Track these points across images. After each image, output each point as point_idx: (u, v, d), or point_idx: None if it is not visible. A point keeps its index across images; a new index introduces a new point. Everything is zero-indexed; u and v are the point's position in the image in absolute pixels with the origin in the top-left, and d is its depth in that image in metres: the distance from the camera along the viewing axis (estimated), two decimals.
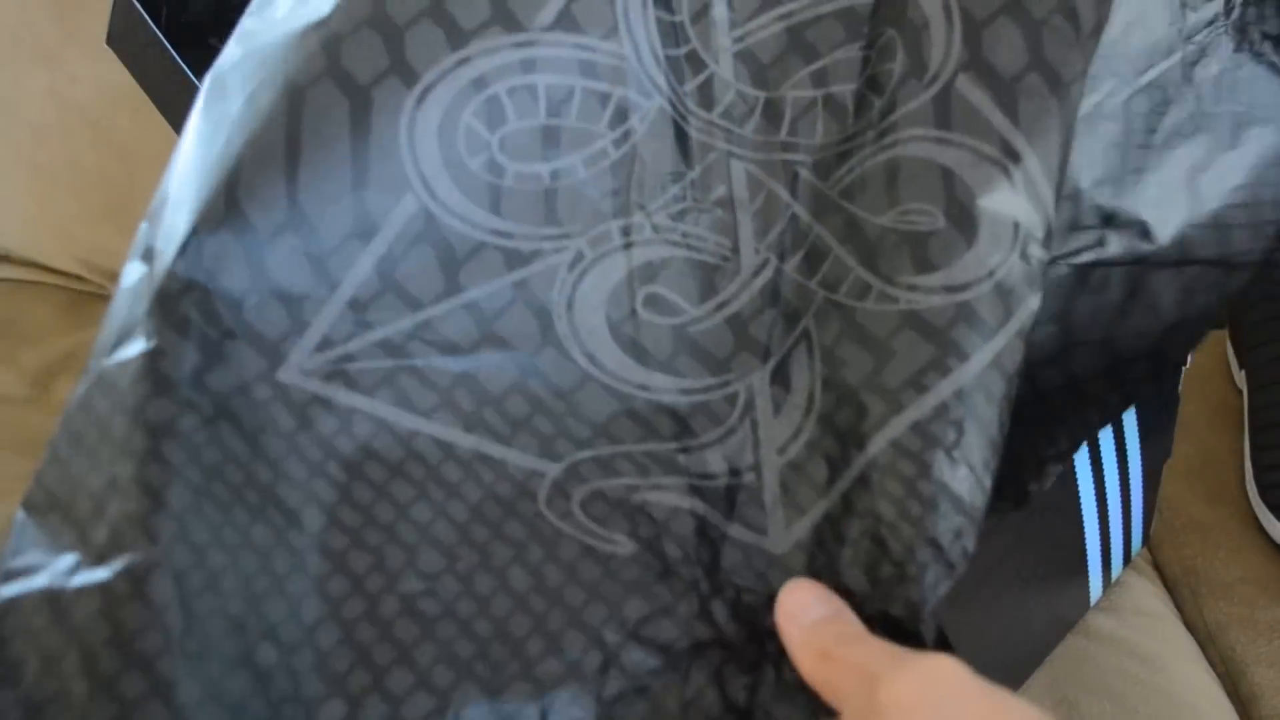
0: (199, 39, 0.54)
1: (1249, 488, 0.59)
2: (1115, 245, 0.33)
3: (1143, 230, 0.33)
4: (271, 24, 0.31)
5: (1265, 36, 0.37)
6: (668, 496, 0.31)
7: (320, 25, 0.30)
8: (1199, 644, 0.53)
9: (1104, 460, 0.47)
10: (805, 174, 0.32)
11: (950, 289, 0.30)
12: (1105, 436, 0.46)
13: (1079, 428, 0.36)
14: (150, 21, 0.49)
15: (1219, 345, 0.71)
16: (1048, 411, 0.34)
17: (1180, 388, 0.51)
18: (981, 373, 0.29)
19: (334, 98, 0.30)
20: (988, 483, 0.29)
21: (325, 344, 0.30)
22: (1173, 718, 0.46)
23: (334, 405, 0.30)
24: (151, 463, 0.28)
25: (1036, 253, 0.30)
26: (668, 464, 0.31)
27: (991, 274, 0.29)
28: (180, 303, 0.28)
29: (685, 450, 0.31)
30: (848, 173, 0.32)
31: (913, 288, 0.30)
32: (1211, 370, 0.70)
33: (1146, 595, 0.55)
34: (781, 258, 0.32)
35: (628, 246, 0.32)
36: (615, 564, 0.30)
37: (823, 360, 0.31)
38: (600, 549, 0.30)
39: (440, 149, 0.30)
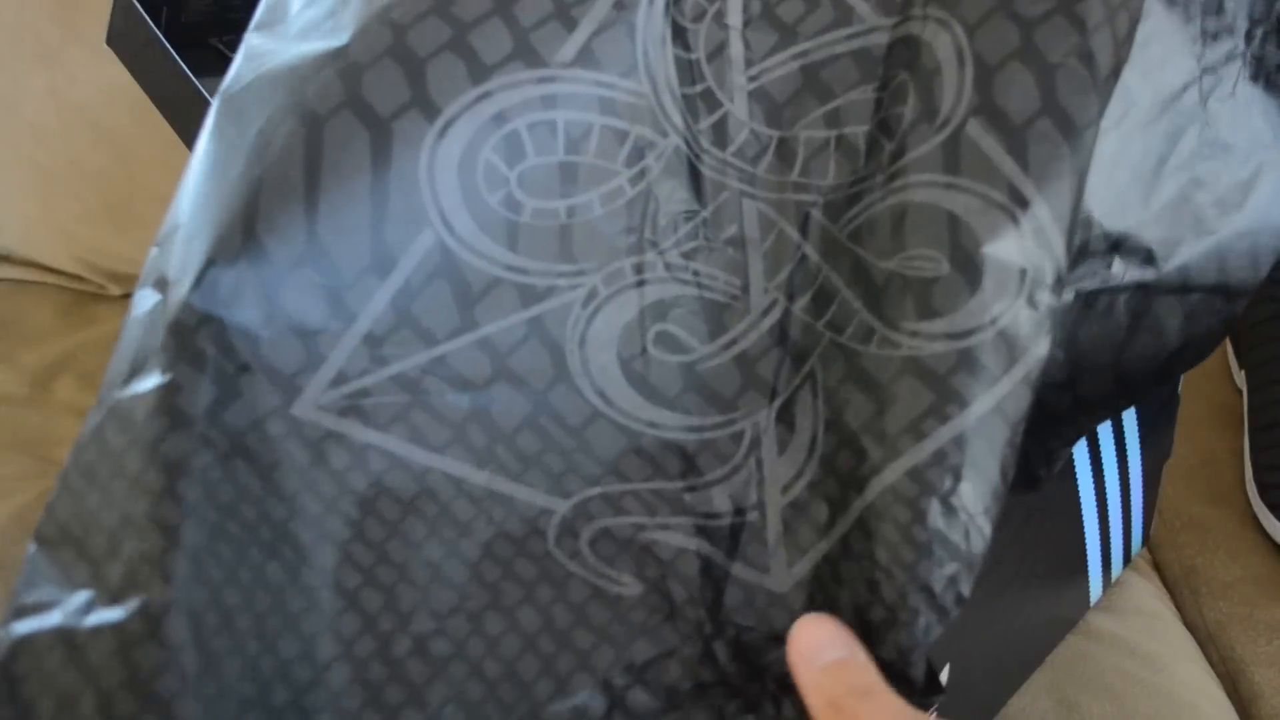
0: (199, 39, 0.54)
1: (1249, 488, 0.59)
2: (1121, 271, 0.33)
3: (1148, 256, 0.33)
4: (282, 43, 0.31)
5: None
6: (674, 536, 0.31)
7: (339, 54, 0.30)
8: (1199, 644, 0.53)
9: (1104, 460, 0.47)
10: (816, 215, 0.32)
11: (952, 336, 0.30)
12: (1105, 436, 0.46)
13: (1085, 425, 0.36)
14: (150, 21, 0.49)
15: (1219, 345, 0.71)
16: (1054, 415, 0.34)
17: (1180, 388, 0.51)
18: (982, 419, 0.29)
19: (354, 129, 0.29)
20: (987, 530, 0.29)
21: (340, 379, 0.30)
22: (1173, 718, 0.46)
23: (348, 441, 0.30)
24: (166, 501, 0.27)
25: (1045, 299, 0.30)
26: (674, 503, 0.31)
27: (994, 321, 0.30)
28: (196, 336, 0.28)
29: (691, 489, 0.31)
30: (856, 215, 0.32)
31: (915, 334, 0.30)
32: (1211, 370, 0.70)
33: (1146, 595, 0.55)
34: (790, 298, 0.32)
35: (640, 284, 0.32)
36: (623, 606, 0.30)
37: (826, 402, 0.31)
38: (608, 590, 0.30)
39: (460, 184, 0.30)
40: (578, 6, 0.32)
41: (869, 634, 0.29)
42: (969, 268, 0.30)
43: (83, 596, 0.27)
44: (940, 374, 0.29)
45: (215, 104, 0.31)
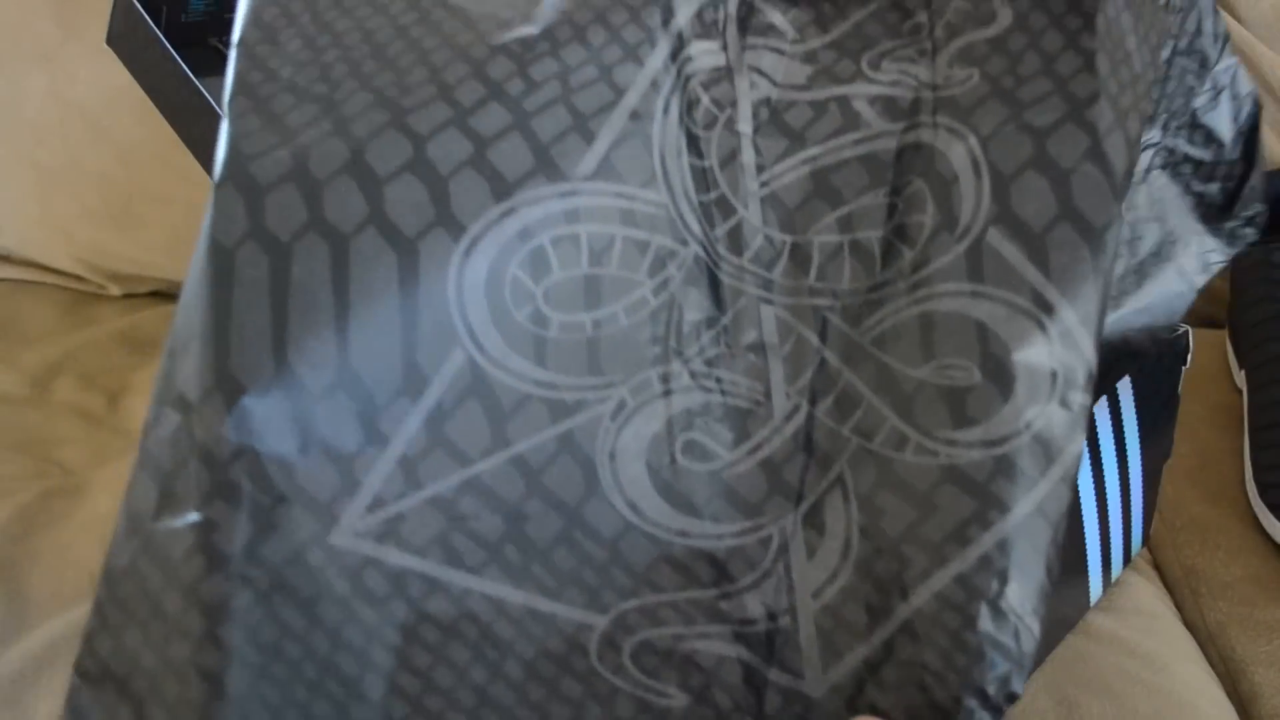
0: (199, 39, 0.54)
1: (1249, 488, 0.59)
2: None
3: None
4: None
5: (1188, 159, 0.39)
6: (714, 645, 0.31)
7: (358, 163, 0.29)
8: (1199, 644, 0.53)
9: (1104, 460, 0.47)
10: (834, 319, 0.33)
11: (988, 443, 0.30)
12: (1105, 436, 0.46)
13: None
14: (150, 21, 0.49)
15: (1219, 345, 0.71)
16: None
17: (1180, 388, 0.51)
18: (1024, 521, 0.30)
19: (380, 249, 0.29)
20: (1036, 629, 0.30)
21: (377, 503, 0.29)
22: (1173, 718, 0.46)
23: (386, 566, 0.29)
24: (208, 646, 0.27)
25: (1078, 399, 0.30)
26: (710, 611, 0.31)
27: (1029, 426, 0.30)
28: (230, 469, 0.28)
29: (725, 596, 0.32)
30: (879, 322, 0.32)
31: (951, 442, 0.30)
32: (1211, 370, 0.70)
33: (1146, 595, 0.55)
34: (812, 402, 0.32)
35: (667, 394, 0.32)
36: (672, 718, 0.30)
37: (860, 508, 0.31)
38: (655, 703, 0.31)
39: (488, 301, 0.30)
40: (595, 118, 0.31)
41: None
42: (1000, 375, 0.30)
43: None
44: (979, 481, 0.30)
45: (223, 194, 0.29)
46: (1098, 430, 0.45)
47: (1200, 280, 0.40)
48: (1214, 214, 0.40)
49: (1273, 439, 0.59)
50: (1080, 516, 0.47)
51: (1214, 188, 0.40)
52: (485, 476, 0.30)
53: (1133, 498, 0.51)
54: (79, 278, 0.83)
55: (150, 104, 0.52)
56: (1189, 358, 0.50)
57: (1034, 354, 0.30)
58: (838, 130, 0.33)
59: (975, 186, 0.31)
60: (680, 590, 0.31)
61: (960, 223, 0.31)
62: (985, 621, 0.29)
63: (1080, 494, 0.46)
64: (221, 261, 0.28)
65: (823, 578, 0.31)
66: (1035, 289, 0.30)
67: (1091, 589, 0.52)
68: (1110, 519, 0.50)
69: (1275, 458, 0.58)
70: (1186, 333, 0.48)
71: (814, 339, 0.32)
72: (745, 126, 0.33)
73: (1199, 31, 0.37)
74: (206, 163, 0.49)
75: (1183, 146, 0.38)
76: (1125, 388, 0.45)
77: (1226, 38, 0.37)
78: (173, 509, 0.28)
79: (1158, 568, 0.58)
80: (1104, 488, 0.48)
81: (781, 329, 0.33)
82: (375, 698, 0.29)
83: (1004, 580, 0.29)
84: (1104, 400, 0.44)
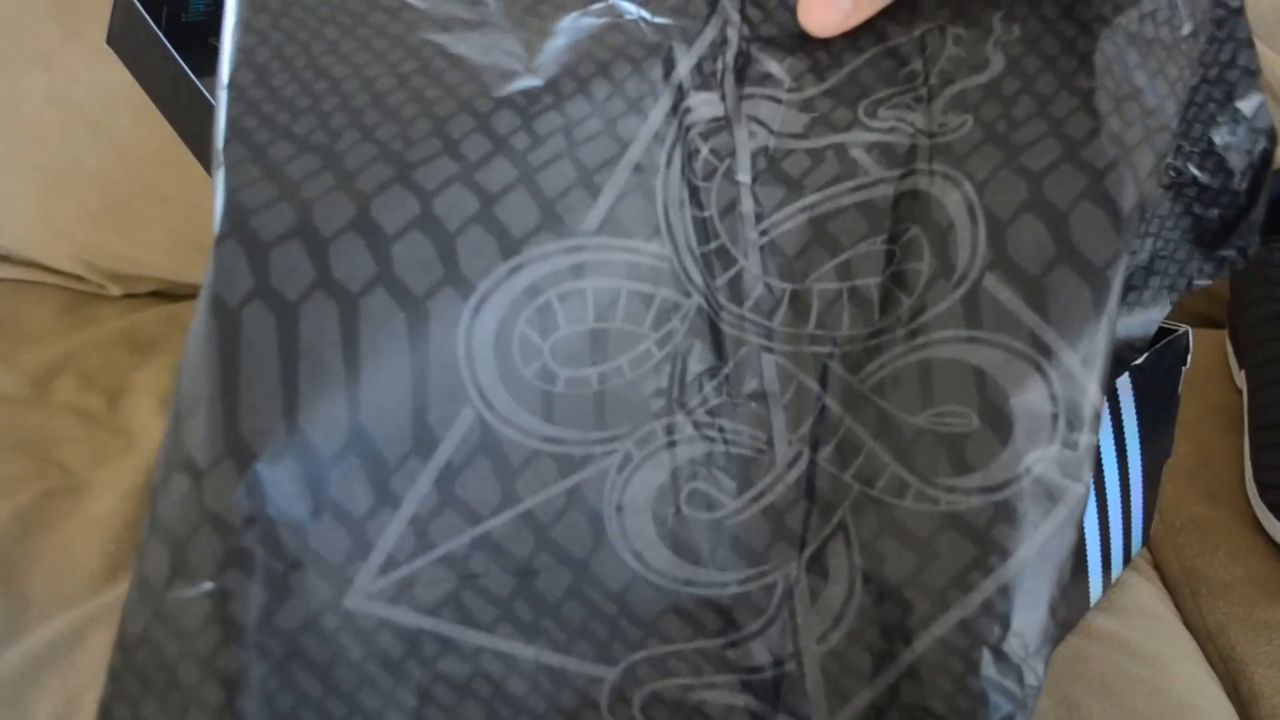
0: (199, 39, 0.54)
1: (1249, 488, 0.59)
2: None
3: None
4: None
5: (1195, 183, 0.39)
6: (721, 695, 0.31)
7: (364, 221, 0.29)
8: (1199, 644, 0.53)
9: (1104, 460, 0.47)
10: (834, 366, 0.33)
11: (987, 489, 0.30)
12: (1105, 436, 0.46)
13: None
14: (150, 21, 0.49)
15: (1219, 345, 0.71)
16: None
17: (1180, 388, 0.51)
18: (1026, 566, 0.30)
19: (390, 309, 0.29)
20: (1041, 669, 0.30)
21: (390, 564, 0.29)
22: (1173, 718, 0.46)
23: (400, 628, 0.29)
24: (226, 717, 0.27)
25: (1084, 439, 0.30)
26: (718, 661, 0.31)
27: (1029, 470, 0.30)
28: (243, 537, 0.28)
29: (732, 645, 0.32)
30: (878, 369, 0.32)
31: (952, 489, 0.30)
32: (1211, 370, 0.70)
33: (1146, 595, 0.55)
34: (814, 449, 0.32)
35: (671, 445, 0.32)
36: None
37: (862, 554, 0.31)
38: None
39: (496, 359, 0.30)
40: (600, 172, 0.31)
41: None
42: (998, 421, 0.30)
43: None
44: (980, 527, 0.30)
45: (226, 255, 0.29)
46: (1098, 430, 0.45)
47: (1177, 296, 0.40)
48: (1208, 238, 0.40)
49: (1273, 439, 0.59)
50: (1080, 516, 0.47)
51: (1214, 214, 0.40)
52: (495, 533, 0.30)
53: (1133, 498, 0.51)
54: (79, 278, 0.83)
55: (150, 104, 0.52)
56: (1189, 358, 0.50)
57: (1033, 398, 0.30)
58: (835, 178, 0.33)
59: (971, 232, 0.31)
60: (688, 640, 0.31)
61: (957, 269, 0.31)
62: (988, 666, 0.29)
63: None
64: (227, 322, 0.28)
65: (827, 623, 0.31)
66: (1033, 333, 0.30)
67: (1091, 589, 0.52)
68: (1110, 519, 0.50)
69: (1275, 458, 0.58)
70: (1186, 333, 0.49)
71: (814, 386, 0.33)
72: (744, 176, 0.34)
73: (1231, 64, 0.37)
74: (207, 162, 0.49)
75: (1191, 170, 0.38)
76: (1125, 388, 0.45)
77: (1257, 72, 0.37)
78: (186, 577, 0.28)
79: (1158, 568, 0.58)
80: (1104, 488, 0.48)
81: (782, 377, 0.33)
82: None
83: (1006, 625, 0.29)
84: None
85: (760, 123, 0.34)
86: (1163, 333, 0.48)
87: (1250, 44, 0.37)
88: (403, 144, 0.30)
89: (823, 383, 0.32)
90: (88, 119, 0.79)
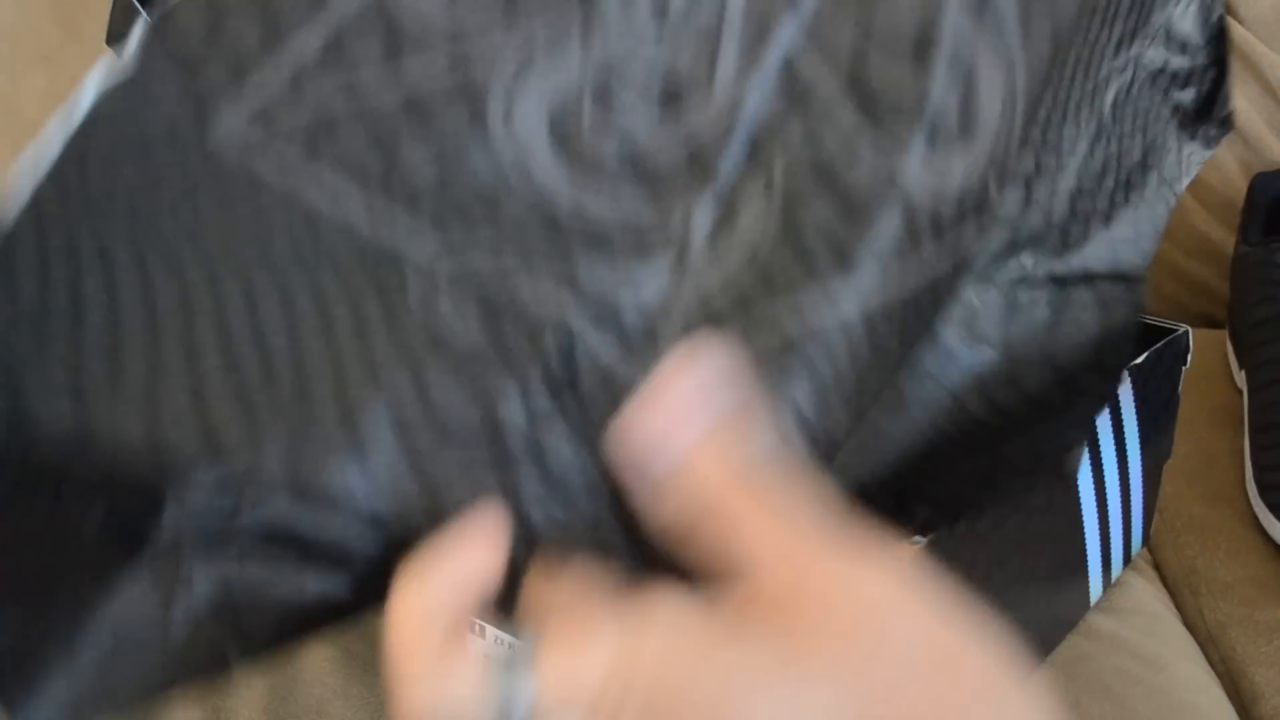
0: None
1: (1249, 488, 0.59)
2: (1031, 264, 0.34)
3: (1055, 248, 0.35)
4: None
5: (1164, 69, 0.39)
6: (552, 310, 0.28)
7: None
8: (1199, 644, 0.53)
9: (1104, 460, 0.47)
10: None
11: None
12: (1105, 437, 0.46)
13: (1081, 415, 0.37)
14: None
15: (1219, 345, 0.71)
16: (1041, 412, 0.35)
17: (1180, 388, 0.51)
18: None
19: None
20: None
21: (262, 115, 0.28)
22: (1173, 718, 0.46)
23: (262, 182, 0.28)
24: None
25: None
26: (570, 282, 0.28)
27: None
28: None
29: (594, 272, 0.28)
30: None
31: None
32: (1211, 370, 0.70)
33: (1146, 595, 0.55)
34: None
35: (587, 46, 0.29)
36: (453, 350, 0.27)
37: (782, 200, 0.29)
38: (444, 333, 0.27)
39: None
40: None
41: None
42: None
43: None
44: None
45: None
46: (1098, 430, 0.45)
47: (1181, 185, 0.39)
48: (1190, 119, 0.40)
49: (1273, 439, 0.59)
50: (1080, 517, 0.47)
51: (1190, 94, 0.40)
52: (363, 84, 0.28)
53: (1133, 498, 0.51)
54: None
55: None
56: (1189, 358, 0.50)
57: None
58: None
59: None
60: (550, 260, 0.28)
61: None
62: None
63: (1080, 494, 0.46)
64: None
65: (714, 281, 0.28)
66: None
67: (1091, 589, 0.52)
68: (1110, 519, 0.50)
69: (1275, 458, 0.58)
70: (1186, 333, 0.48)
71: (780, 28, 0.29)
72: None
73: None
74: None
75: (1160, 57, 0.38)
76: (1125, 388, 0.45)
77: None
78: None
79: (1158, 568, 0.58)
80: (1104, 488, 0.48)
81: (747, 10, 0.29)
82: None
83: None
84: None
85: None
86: (1162, 333, 0.48)
87: None
88: None
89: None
90: None
